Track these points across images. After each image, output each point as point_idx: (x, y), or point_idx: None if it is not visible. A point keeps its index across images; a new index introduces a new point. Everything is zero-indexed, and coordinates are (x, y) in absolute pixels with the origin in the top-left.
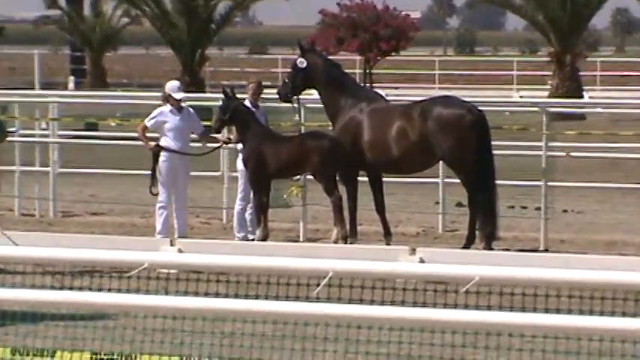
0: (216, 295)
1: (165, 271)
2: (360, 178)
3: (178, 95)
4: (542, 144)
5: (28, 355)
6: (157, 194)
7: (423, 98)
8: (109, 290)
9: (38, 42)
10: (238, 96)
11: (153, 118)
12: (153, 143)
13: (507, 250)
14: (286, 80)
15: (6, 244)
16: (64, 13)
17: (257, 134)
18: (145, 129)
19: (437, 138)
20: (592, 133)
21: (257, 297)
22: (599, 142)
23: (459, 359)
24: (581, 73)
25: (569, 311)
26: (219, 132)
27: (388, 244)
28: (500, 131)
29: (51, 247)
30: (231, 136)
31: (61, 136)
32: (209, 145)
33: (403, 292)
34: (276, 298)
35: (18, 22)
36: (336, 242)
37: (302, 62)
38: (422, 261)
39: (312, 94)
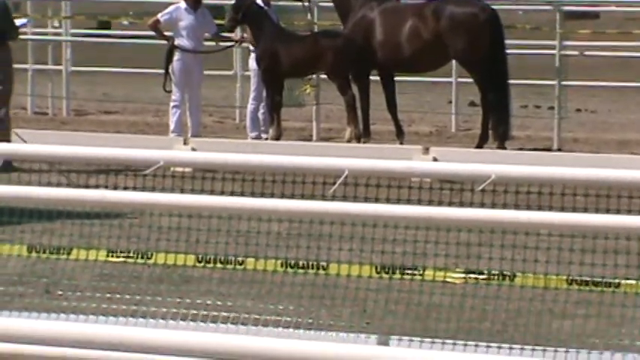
0: (231, 193)
1: (180, 169)
2: (372, 78)
3: None
4: (555, 43)
5: (44, 252)
6: (170, 91)
7: None
8: (124, 188)
9: None
10: None
11: (167, 13)
12: (169, 34)
13: (521, 149)
14: None
15: (17, 141)
16: None
17: (270, 33)
18: (158, 23)
19: (449, 37)
20: (606, 32)
21: (272, 195)
22: (612, 41)
23: (475, 257)
24: None
25: (585, 210)
26: (232, 31)
27: (401, 143)
28: (513, 30)
29: (64, 144)
30: (245, 35)
31: (73, 35)
32: (222, 44)
33: (418, 190)
34: (292, 196)
35: None
36: (349, 141)
37: None
38: (435, 160)
39: None
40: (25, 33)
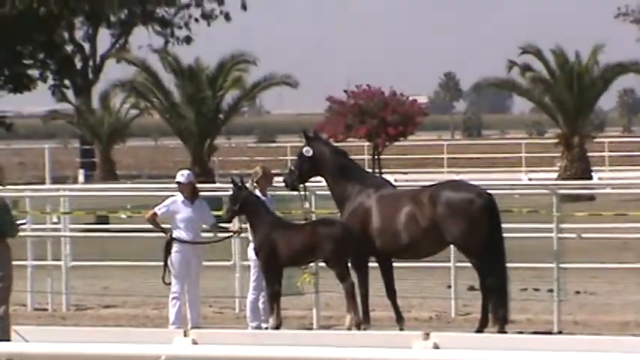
0: None
1: None
2: (370, 264)
3: (179, 178)
4: (552, 226)
5: None
6: (169, 284)
7: (432, 183)
8: None
9: (47, 136)
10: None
11: (165, 206)
12: (167, 226)
13: (521, 332)
14: (292, 168)
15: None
16: (73, 107)
17: (268, 223)
18: (155, 216)
19: (447, 223)
20: (602, 214)
21: None
22: (609, 223)
23: None
24: (589, 154)
25: None
26: (229, 222)
27: (401, 329)
28: (510, 214)
29: (65, 341)
30: (243, 226)
31: (72, 230)
32: (220, 235)
33: None
34: None
35: (26, 117)
36: (349, 329)
37: (308, 151)
38: (436, 346)
39: (320, 182)
40: (24, 230)
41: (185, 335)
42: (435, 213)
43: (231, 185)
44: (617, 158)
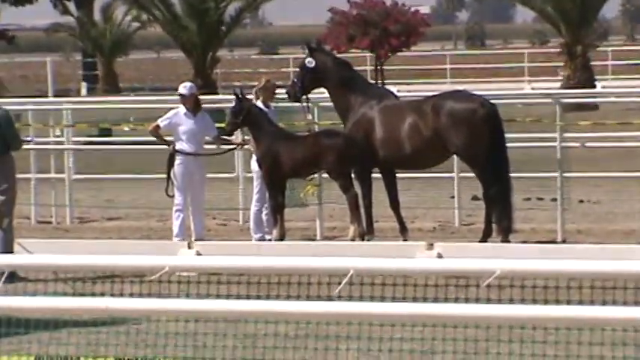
0: (237, 296)
1: (185, 274)
2: (373, 175)
3: (182, 90)
4: (556, 135)
5: None
6: (172, 196)
7: (435, 93)
8: (130, 295)
9: (49, 49)
10: (250, 96)
11: (167, 118)
12: (170, 138)
13: (525, 242)
14: (295, 80)
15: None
16: (75, 19)
17: (271, 135)
18: (158, 128)
19: (449, 133)
20: (606, 122)
21: (277, 297)
22: (613, 132)
23: (483, 353)
24: (592, 63)
25: (592, 302)
26: (232, 134)
27: (405, 239)
28: (513, 124)
29: (69, 253)
30: (246, 138)
31: (75, 143)
32: (223, 146)
33: (424, 287)
34: (297, 297)
35: (29, 30)
36: (353, 240)
37: (310, 62)
38: (440, 256)
39: (324, 93)
40: (28, 142)
41: (189, 247)
42: (438, 123)
43: (233, 97)
44: (620, 67)
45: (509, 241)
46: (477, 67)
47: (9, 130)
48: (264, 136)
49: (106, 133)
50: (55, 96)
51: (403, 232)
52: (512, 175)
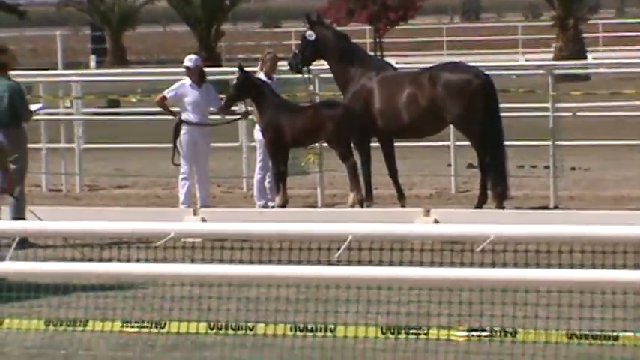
0: (240, 261)
1: (190, 239)
2: (372, 144)
3: (187, 63)
4: (548, 105)
5: (61, 325)
6: (178, 164)
7: (431, 65)
8: (137, 260)
9: (58, 24)
10: (253, 68)
11: (173, 89)
12: (176, 109)
13: (518, 208)
14: (296, 52)
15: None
16: None
17: (273, 105)
18: (164, 99)
19: (446, 103)
20: (597, 92)
21: (279, 262)
22: (603, 102)
23: (477, 315)
24: (583, 35)
25: (582, 265)
26: (234, 105)
27: (403, 206)
28: (507, 94)
29: (78, 220)
30: (250, 108)
31: (84, 113)
32: (228, 117)
33: (420, 252)
34: (298, 262)
35: (38, 4)
36: (352, 207)
37: (310, 35)
38: (436, 222)
39: (324, 65)
40: (39, 113)
41: (194, 214)
42: (434, 93)
43: (236, 69)
44: (610, 39)
45: (503, 208)
46: (473, 40)
47: (20, 103)
48: (267, 107)
49: (114, 104)
50: (65, 69)
51: (401, 199)
52: (506, 143)
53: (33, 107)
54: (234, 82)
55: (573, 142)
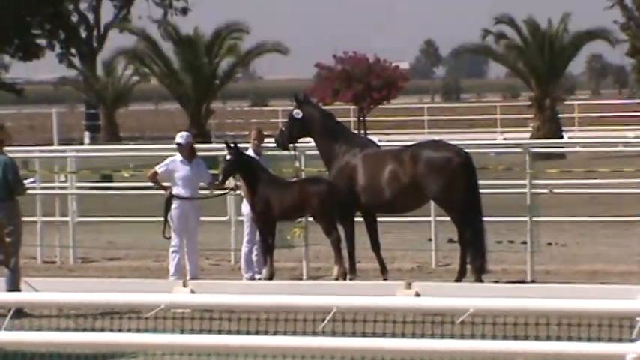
0: (228, 332)
1: (180, 310)
2: (356, 219)
3: (178, 139)
4: (526, 182)
5: None
6: (169, 237)
7: (413, 143)
8: (128, 330)
9: (55, 101)
10: (242, 145)
11: (164, 165)
12: (167, 184)
13: (497, 282)
14: (283, 129)
15: (28, 290)
16: (79, 73)
17: (263, 181)
18: (156, 174)
19: (427, 180)
20: (572, 171)
21: (266, 333)
22: (579, 179)
23: None
24: (560, 116)
25: (558, 338)
26: (225, 182)
27: (385, 279)
28: (486, 171)
29: (72, 291)
30: (238, 184)
31: (78, 188)
32: (216, 192)
33: (403, 324)
34: (284, 333)
35: (36, 83)
36: (337, 279)
37: (298, 113)
38: (418, 294)
39: (310, 142)
40: (33, 188)
41: (184, 285)
42: (416, 171)
43: (225, 146)
44: (586, 119)
45: (482, 281)
46: (453, 119)
47: (13, 177)
48: (256, 182)
49: (107, 179)
50: (60, 145)
51: (384, 272)
52: (485, 219)
53: (27, 182)
54: (228, 159)
55: (550, 218)
